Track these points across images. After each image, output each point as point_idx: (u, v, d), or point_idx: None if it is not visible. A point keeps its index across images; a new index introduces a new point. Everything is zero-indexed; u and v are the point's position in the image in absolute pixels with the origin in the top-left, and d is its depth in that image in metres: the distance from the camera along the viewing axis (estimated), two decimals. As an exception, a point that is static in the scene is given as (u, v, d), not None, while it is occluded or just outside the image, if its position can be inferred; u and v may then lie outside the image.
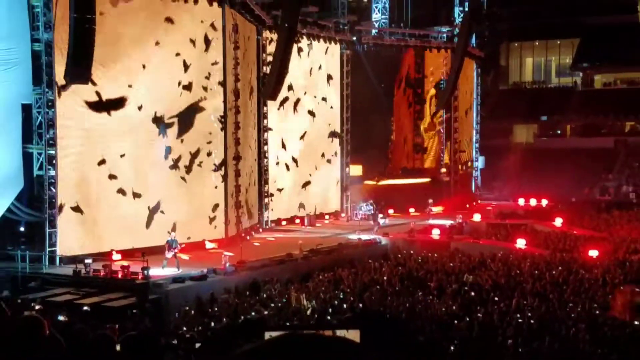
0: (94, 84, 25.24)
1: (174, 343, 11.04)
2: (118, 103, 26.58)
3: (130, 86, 26.76)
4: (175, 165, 28.44)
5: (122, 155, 26.61)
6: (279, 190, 36.69)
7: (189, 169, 28.87)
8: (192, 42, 28.80)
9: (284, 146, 36.93)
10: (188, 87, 28.68)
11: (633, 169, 50.57)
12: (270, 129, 35.45)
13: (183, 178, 28.71)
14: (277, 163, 36.53)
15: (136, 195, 27.18)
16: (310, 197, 38.51)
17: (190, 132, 28.88)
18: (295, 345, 1.22)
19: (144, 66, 27.10)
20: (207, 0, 29.19)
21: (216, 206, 29.69)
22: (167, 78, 28.11)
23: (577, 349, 14.18)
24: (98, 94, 25.78)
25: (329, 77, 39.48)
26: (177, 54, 28.23)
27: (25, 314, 9.73)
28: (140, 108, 27.16)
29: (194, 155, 29.04)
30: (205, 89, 29.33)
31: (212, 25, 29.52)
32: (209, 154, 29.51)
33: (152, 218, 27.57)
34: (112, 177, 26.39)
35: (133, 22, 26.77)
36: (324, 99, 39.05)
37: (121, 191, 26.67)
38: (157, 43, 27.49)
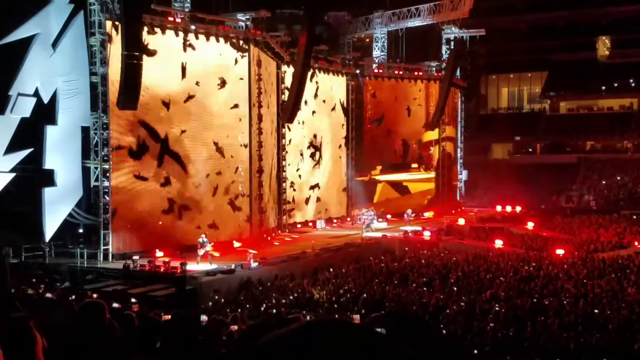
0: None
1: (206, 325, 11.01)
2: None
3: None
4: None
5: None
6: (295, 197, 36.54)
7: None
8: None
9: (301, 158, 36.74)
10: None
11: (593, 181, 50.30)
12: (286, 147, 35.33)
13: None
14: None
15: (180, 207, 27.31)
16: (321, 204, 38.36)
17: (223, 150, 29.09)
18: (328, 330, 1.10)
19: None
20: (236, 40, 29.33)
21: (243, 212, 29.66)
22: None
23: (548, 333, 14.04)
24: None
25: (337, 103, 39.42)
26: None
27: (86, 300, 9.72)
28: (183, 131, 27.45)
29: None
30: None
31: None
32: (236, 169, 29.53)
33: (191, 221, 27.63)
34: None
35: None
36: (332, 122, 38.98)
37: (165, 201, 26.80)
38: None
